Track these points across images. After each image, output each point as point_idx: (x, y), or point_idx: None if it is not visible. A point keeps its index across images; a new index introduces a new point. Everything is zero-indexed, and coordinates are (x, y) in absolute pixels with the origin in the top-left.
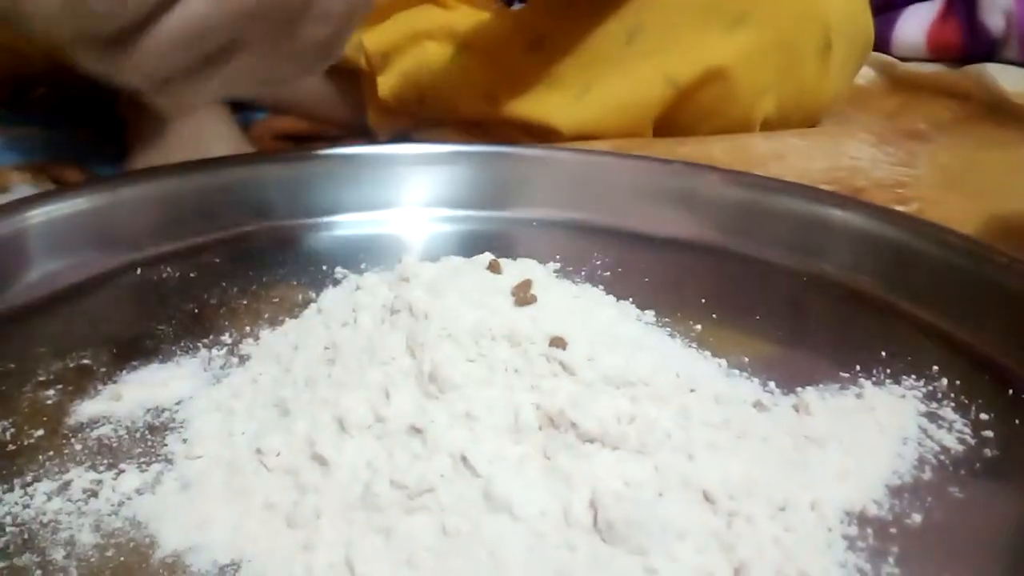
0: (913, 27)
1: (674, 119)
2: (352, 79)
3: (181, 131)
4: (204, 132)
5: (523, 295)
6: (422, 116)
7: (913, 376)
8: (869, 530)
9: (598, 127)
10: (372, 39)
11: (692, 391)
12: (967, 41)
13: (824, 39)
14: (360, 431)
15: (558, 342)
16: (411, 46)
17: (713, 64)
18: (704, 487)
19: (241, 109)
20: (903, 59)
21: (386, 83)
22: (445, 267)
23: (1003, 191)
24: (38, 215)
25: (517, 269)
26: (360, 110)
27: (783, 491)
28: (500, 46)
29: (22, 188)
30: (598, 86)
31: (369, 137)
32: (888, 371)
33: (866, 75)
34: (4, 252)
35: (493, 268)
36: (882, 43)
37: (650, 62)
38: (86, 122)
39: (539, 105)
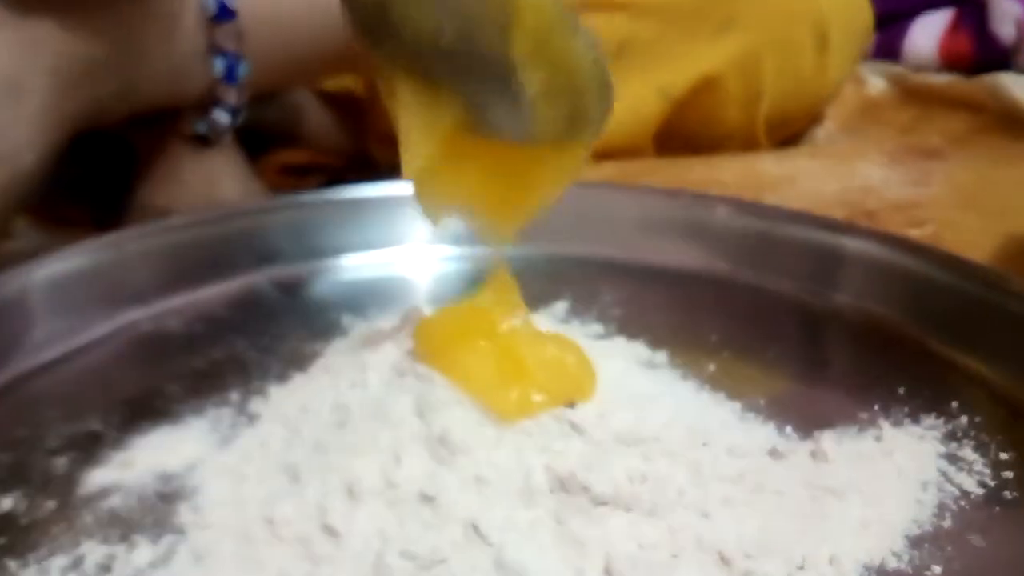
0: (924, 38)
1: (673, 131)
2: (353, 109)
3: (195, 171)
4: (216, 173)
5: None
6: None
7: (933, 414)
8: None
9: (596, 145)
10: None
11: (705, 444)
12: (978, 51)
13: (819, 33)
14: (371, 497)
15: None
16: None
17: (705, 72)
18: (719, 547)
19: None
20: (915, 70)
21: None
22: None
23: (1020, 209)
24: (41, 274)
25: None
26: (362, 140)
27: (801, 547)
28: None
29: (27, 232)
30: None
31: (371, 167)
32: (906, 409)
33: (878, 86)
34: (9, 313)
35: None
36: (893, 54)
37: (641, 75)
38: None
39: None
